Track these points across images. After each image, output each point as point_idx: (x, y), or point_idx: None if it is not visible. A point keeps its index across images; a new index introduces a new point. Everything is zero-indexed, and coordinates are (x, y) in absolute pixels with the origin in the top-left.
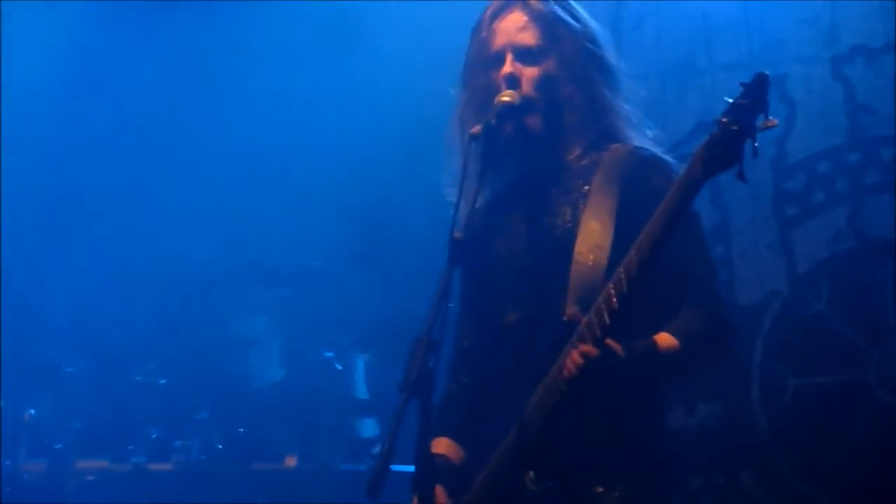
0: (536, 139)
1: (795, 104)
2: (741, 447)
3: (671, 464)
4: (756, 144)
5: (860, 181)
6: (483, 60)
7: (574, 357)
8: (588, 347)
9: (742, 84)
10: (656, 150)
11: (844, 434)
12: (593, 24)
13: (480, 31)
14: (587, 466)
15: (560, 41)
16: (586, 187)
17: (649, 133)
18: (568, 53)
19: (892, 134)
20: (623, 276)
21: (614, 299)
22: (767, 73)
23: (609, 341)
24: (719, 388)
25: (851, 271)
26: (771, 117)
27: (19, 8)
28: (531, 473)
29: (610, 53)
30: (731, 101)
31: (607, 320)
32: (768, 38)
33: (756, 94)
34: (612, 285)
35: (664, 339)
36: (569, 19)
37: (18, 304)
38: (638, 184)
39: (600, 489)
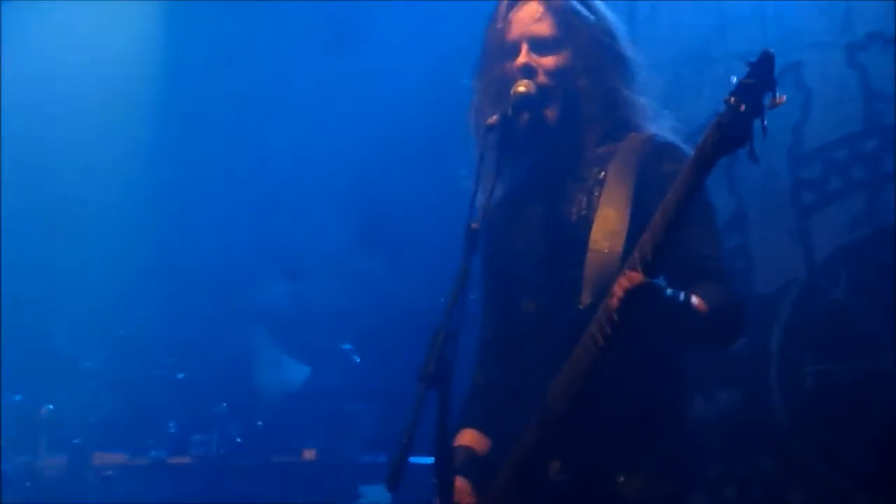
0: (552, 129)
1: (811, 92)
2: (761, 434)
3: (693, 452)
4: (766, 123)
5: (877, 168)
6: (499, 51)
7: (621, 283)
8: (635, 274)
9: (748, 63)
10: (673, 138)
11: (863, 420)
12: (609, 16)
13: (496, 22)
14: (609, 455)
15: (575, 32)
16: (602, 174)
17: (667, 123)
18: (583, 45)
19: None
20: (638, 259)
21: (627, 284)
22: (772, 50)
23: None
24: (738, 376)
25: (869, 258)
26: (780, 94)
27: (19, 7)
28: (556, 462)
29: (625, 45)
30: (737, 80)
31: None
32: (784, 26)
33: (763, 72)
34: (627, 269)
35: (696, 298)
36: (584, 11)
37: (35, 299)
38: (652, 170)
39: (622, 479)
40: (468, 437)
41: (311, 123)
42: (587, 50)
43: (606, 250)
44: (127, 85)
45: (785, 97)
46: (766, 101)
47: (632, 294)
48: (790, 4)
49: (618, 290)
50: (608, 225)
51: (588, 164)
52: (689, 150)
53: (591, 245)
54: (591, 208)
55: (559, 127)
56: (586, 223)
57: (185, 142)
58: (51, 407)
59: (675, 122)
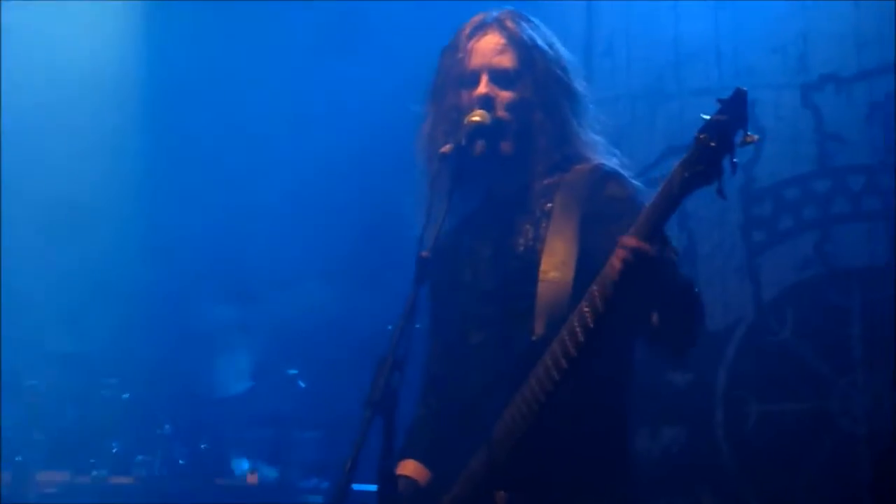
0: (505, 162)
1: (765, 130)
2: (704, 472)
3: (636, 485)
4: (735, 160)
5: (828, 209)
6: (457, 79)
7: (625, 242)
8: (637, 241)
9: (719, 100)
10: (619, 168)
11: (806, 461)
12: (564, 52)
13: (456, 51)
14: (555, 487)
15: (534, 66)
16: (549, 205)
17: (615, 160)
18: (541, 79)
19: (860, 163)
20: (597, 294)
21: (589, 317)
22: (745, 88)
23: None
24: (683, 413)
25: (817, 299)
26: (751, 132)
27: (19, 7)
28: (502, 493)
29: (578, 81)
30: (707, 117)
31: (582, 337)
32: (739, 64)
33: (734, 109)
34: (585, 302)
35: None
36: (543, 45)
37: None
38: (597, 196)
39: None
40: (409, 468)
41: (268, 143)
42: (543, 84)
43: (557, 280)
44: (124, 86)
45: (757, 136)
46: (738, 138)
47: (636, 253)
48: (746, 44)
49: (620, 251)
50: (557, 255)
51: (535, 196)
52: (635, 182)
53: (542, 276)
54: (539, 239)
55: (511, 160)
56: (534, 254)
57: (151, 152)
58: None
59: (623, 158)
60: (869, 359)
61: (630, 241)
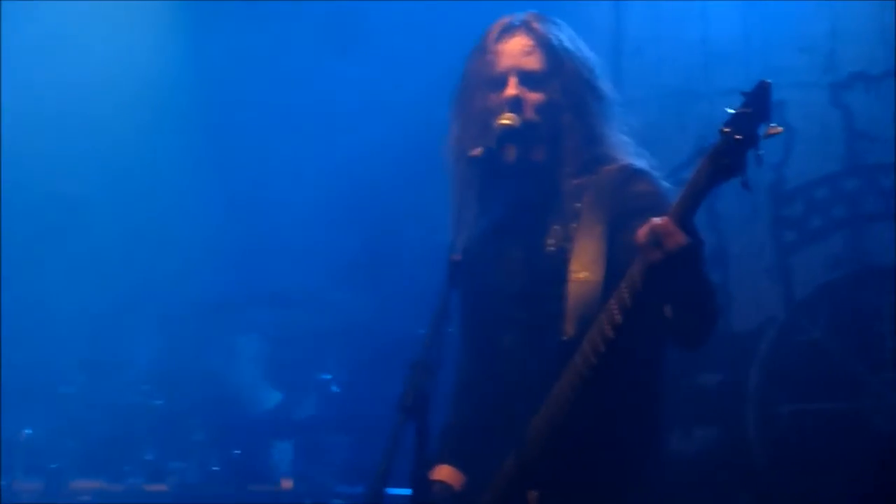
0: (535, 165)
1: (794, 130)
2: (737, 472)
3: (670, 487)
4: (760, 153)
5: (858, 208)
6: (485, 81)
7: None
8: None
9: (743, 93)
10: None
11: (839, 462)
12: (590, 53)
13: (484, 53)
14: (587, 487)
15: (562, 68)
16: (578, 206)
17: (643, 161)
18: (568, 81)
19: (890, 161)
20: (625, 289)
21: (616, 313)
22: (769, 80)
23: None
24: (715, 413)
25: (849, 298)
26: (774, 124)
27: (19, 7)
28: (534, 493)
29: (605, 83)
30: (732, 111)
31: (611, 334)
32: (768, 64)
33: (758, 102)
34: (613, 300)
35: None
36: (571, 47)
37: (14, 321)
38: (625, 195)
39: None
40: (444, 473)
41: (296, 146)
42: (572, 85)
43: (586, 279)
44: (128, 87)
45: (781, 128)
46: (761, 131)
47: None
48: (775, 44)
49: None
50: (586, 255)
51: (564, 197)
52: (664, 182)
53: (571, 276)
54: (568, 240)
55: (542, 163)
56: (564, 255)
57: (175, 158)
58: (29, 431)
59: (652, 159)
60: None
61: (663, 226)
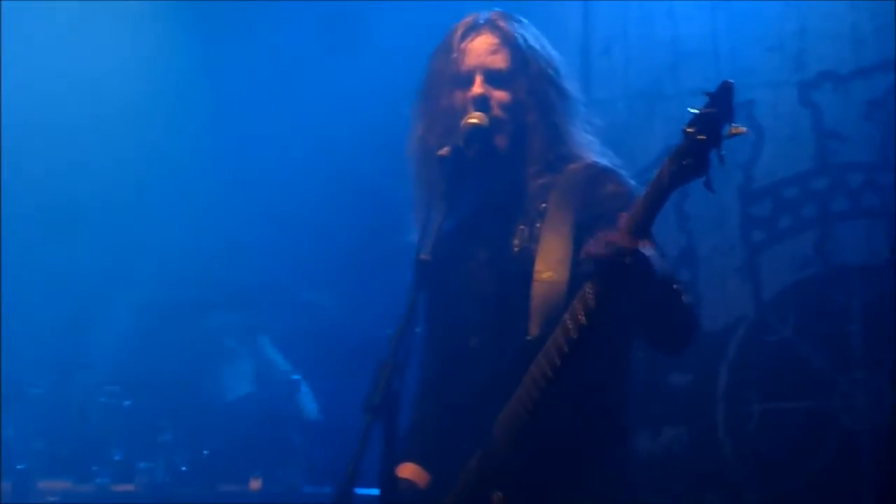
0: (500, 162)
1: (763, 130)
2: (706, 471)
3: (637, 487)
4: (723, 153)
5: (827, 207)
6: (450, 80)
7: (617, 233)
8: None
9: (706, 93)
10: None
11: (809, 460)
12: (555, 53)
13: (449, 51)
14: (552, 487)
15: (527, 67)
16: (543, 205)
17: (608, 161)
18: (534, 80)
19: (859, 160)
20: (589, 293)
21: (580, 314)
22: (732, 80)
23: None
24: (684, 413)
25: (818, 297)
26: (738, 124)
27: (19, 7)
28: (499, 494)
29: (571, 82)
30: (695, 111)
31: (574, 335)
32: (737, 64)
33: (721, 102)
34: (577, 300)
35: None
36: (536, 45)
37: None
38: (593, 194)
39: None
40: (408, 471)
41: (266, 146)
42: (537, 84)
43: (551, 280)
44: (122, 87)
45: (744, 128)
46: (725, 131)
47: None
48: (743, 43)
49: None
50: (552, 255)
51: (529, 197)
52: (631, 180)
53: (536, 276)
54: (534, 240)
55: (506, 160)
56: (529, 255)
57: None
58: None
59: (616, 158)
60: (870, 356)
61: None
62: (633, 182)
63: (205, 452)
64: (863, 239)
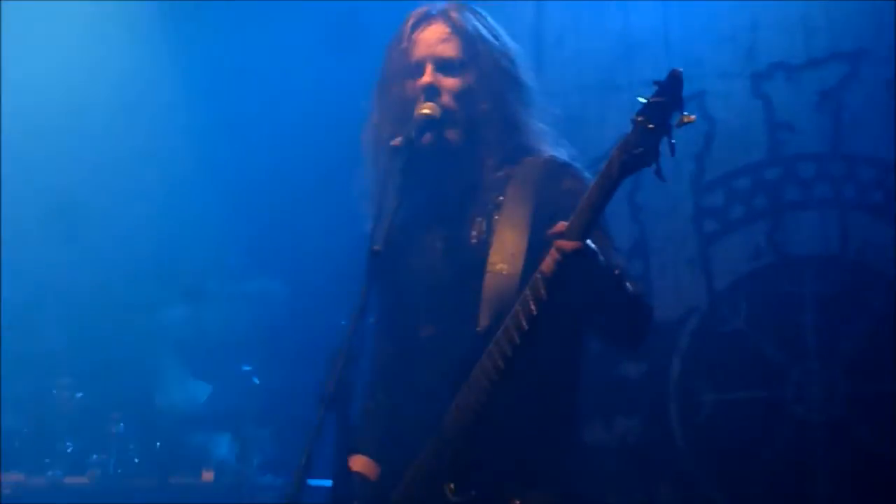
0: (453, 152)
1: (715, 121)
2: (660, 461)
3: (589, 477)
4: (673, 141)
5: (779, 198)
6: (402, 70)
7: (558, 245)
8: (568, 242)
9: (656, 82)
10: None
11: (762, 449)
12: (511, 43)
13: (400, 41)
14: (505, 478)
15: (479, 56)
16: (500, 198)
17: (564, 151)
18: (486, 69)
19: (810, 151)
20: (540, 280)
21: (532, 305)
22: (681, 69)
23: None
24: (638, 403)
25: (770, 287)
26: (688, 113)
27: (19, 7)
28: (451, 485)
29: (526, 73)
30: (644, 99)
31: (525, 326)
32: (689, 55)
33: (671, 91)
34: (528, 291)
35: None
36: (488, 35)
37: None
38: (551, 189)
39: (517, 502)
40: (359, 464)
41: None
42: (489, 74)
43: (504, 272)
44: (120, 87)
45: (694, 116)
46: (674, 120)
47: (568, 257)
48: (695, 35)
49: (554, 252)
50: (506, 247)
51: (486, 188)
52: (588, 175)
53: (489, 267)
54: (490, 231)
55: (460, 150)
56: (485, 247)
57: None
58: None
59: (573, 150)
60: (822, 346)
61: (564, 243)
62: (590, 177)
63: (157, 444)
64: (815, 229)
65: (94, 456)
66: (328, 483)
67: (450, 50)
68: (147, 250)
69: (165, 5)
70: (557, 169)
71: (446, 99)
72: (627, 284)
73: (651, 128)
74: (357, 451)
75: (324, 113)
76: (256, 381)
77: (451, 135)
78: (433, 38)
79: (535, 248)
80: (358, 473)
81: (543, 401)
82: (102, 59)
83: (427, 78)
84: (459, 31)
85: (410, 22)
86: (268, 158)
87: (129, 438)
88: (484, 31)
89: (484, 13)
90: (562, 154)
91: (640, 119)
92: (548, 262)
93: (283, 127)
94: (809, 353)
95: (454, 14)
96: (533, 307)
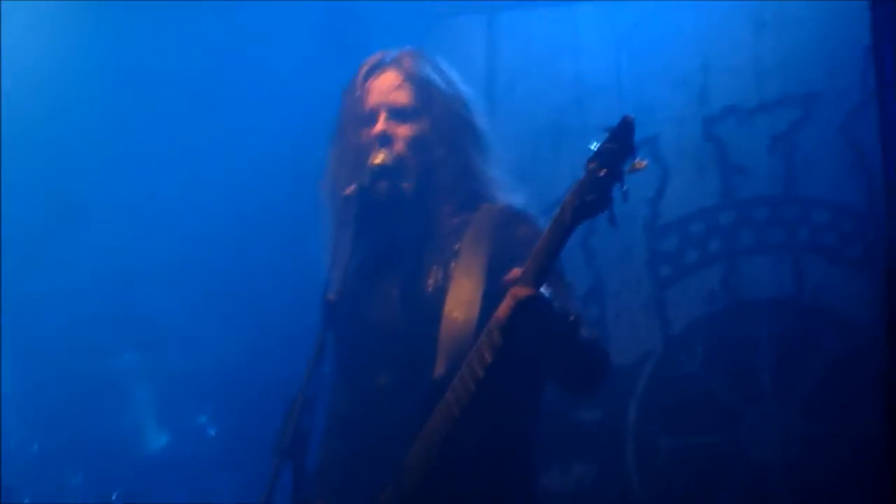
0: (409, 200)
1: (668, 165)
2: None
3: None
4: (625, 188)
5: (733, 242)
6: (356, 119)
7: (512, 293)
8: (523, 288)
9: (607, 129)
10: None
11: (718, 493)
12: (465, 89)
13: (354, 90)
14: None
15: (433, 103)
16: (457, 246)
17: (520, 197)
18: (440, 116)
19: (764, 194)
20: (495, 327)
21: (487, 352)
22: (632, 115)
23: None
24: (594, 449)
25: (725, 331)
26: (640, 158)
27: (19, 7)
28: None
29: (480, 119)
30: (596, 145)
31: (481, 374)
32: (641, 99)
33: (622, 137)
34: (483, 338)
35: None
36: (441, 82)
37: None
38: (507, 237)
39: None
40: None
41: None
42: (443, 121)
43: (461, 320)
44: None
45: (646, 162)
46: (626, 166)
47: (523, 304)
48: (647, 79)
49: (509, 299)
50: (463, 295)
51: (443, 236)
52: (543, 221)
53: (446, 315)
54: (447, 279)
55: (414, 199)
56: (441, 294)
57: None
58: None
59: (527, 196)
60: (778, 389)
61: (518, 290)
62: (544, 224)
63: (114, 495)
64: (769, 272)
65: None
66: None
67: (403, 97)
68: (97, 297)
69: (166, 5)
70: (512, 217)
71: (400, 147)
72: (583, 330)
73: (603, 174)
74: (314, 501)
75: (283, 155)
76: (212, 432)
77: (406, 183)
78: (386, 86)
79: (491, 295)
80: None
81: (500, 448)
82: (83, 57)
83: (380, 126)
84: (412, 79)
85: (364, 70)
86: (223, 206)
87: (87, 489)
88: (437, 78)
89: (437, 59)
90: (517, 200)
91: (592, 165)
92: (503, 309)
93: (240, 181)
94: (765, 395)
95: (407, 61)
96: (488, 355)
